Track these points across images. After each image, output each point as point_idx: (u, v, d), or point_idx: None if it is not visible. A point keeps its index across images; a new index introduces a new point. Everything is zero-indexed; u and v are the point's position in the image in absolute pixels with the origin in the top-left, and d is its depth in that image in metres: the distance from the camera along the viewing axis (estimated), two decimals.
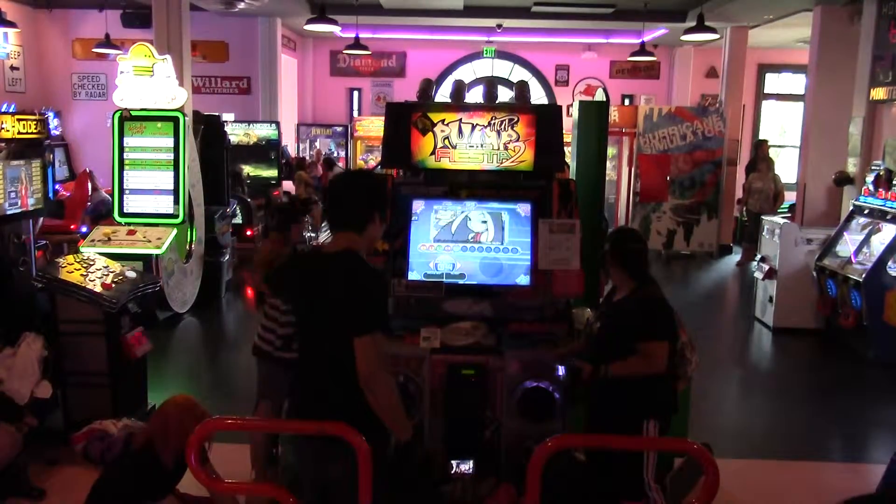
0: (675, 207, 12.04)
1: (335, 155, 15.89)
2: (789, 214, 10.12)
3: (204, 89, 13.72)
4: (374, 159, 14.11)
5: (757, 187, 11.06)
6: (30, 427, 4.17)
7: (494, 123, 4.11)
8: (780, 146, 15.63)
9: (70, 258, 5.24)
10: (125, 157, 7.83)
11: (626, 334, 3.41)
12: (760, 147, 11.91)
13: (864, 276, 6.93)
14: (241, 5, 11.56)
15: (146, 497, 3.21)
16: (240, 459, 4.19)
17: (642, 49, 12.76)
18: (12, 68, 12.64)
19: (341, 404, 2.63)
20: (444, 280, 4.00)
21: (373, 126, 14.80)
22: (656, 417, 3.41)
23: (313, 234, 11.55)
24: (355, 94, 16.89)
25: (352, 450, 2.50)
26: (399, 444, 2.73)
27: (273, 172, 13.05)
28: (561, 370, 3.68)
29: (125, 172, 7.83)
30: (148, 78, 7.72)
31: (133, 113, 7.74)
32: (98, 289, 4.80)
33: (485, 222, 4.14)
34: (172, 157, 7.81)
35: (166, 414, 3.33)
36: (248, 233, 10.53)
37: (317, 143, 16.00)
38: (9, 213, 5.31)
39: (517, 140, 4.12)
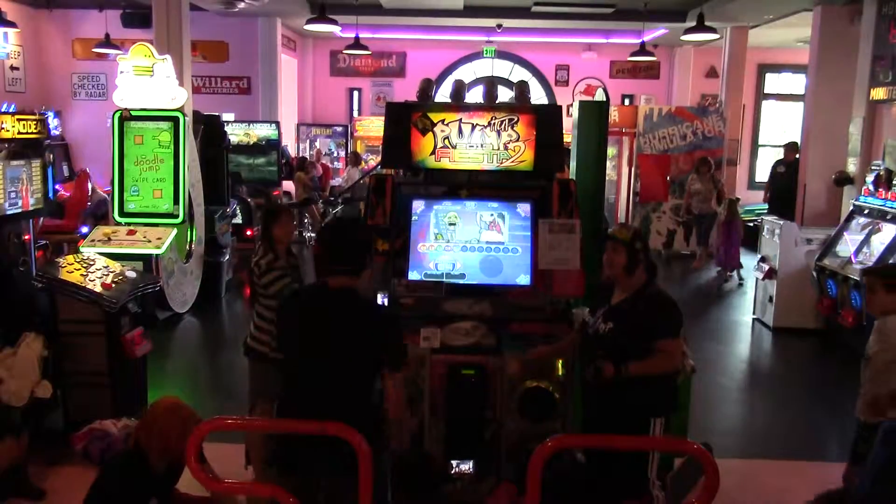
0: (675, 207, 12.03)
1: (335, 155, 15.89)
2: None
3: (204, 89, 13.73)
4: (374, 159, 14.08)
5: (696, 188, 10.99)
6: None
7: (494, 123, 4.11)
8: (779, 146, 15.63)
9: (70, 258, 5.24)
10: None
11: (642, 334, 3.33)
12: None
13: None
14: (241, 5, 11.55)
15: (137, 501, 3.20)
16: (240, 460, 4.19)
17: (642, 49, 12.76)
18: (12, 68, 12.64)
19: (342, 414, 2.64)
20: (444, 280, 4.00)
21: (373, 126, 14.81)
22: (662, 415, 3.40)
23: (314, 234, 11.55)
24: (355, 94, 16.89)
25: (351, 450, 2.50)
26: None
27: (273, 172, 13.02)
28: (560, 369, 3.67)
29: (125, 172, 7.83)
30: (148, 78, 7.72)
31: (133, 113, 7.74)
32: (98, 289, 4.80)
33: (485, 222, 4.14)
34: (172, 158, 7.81)
35: (153, 417, 3.30)
36: (248, 233, 10.52)
37: (317, 143, 16.00)
38: (9, 213, 5.32)
39: (517, 140, 4.12)
